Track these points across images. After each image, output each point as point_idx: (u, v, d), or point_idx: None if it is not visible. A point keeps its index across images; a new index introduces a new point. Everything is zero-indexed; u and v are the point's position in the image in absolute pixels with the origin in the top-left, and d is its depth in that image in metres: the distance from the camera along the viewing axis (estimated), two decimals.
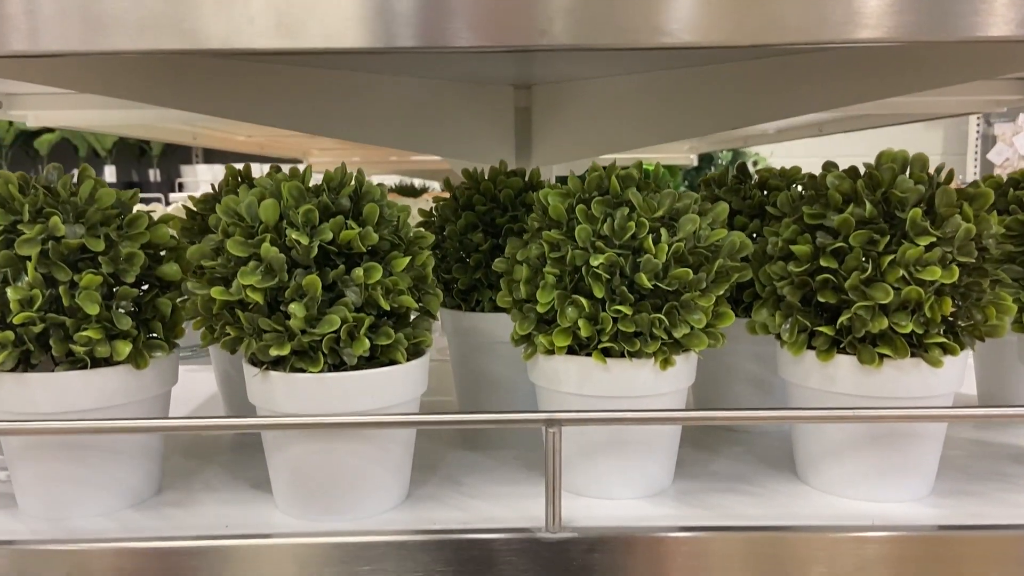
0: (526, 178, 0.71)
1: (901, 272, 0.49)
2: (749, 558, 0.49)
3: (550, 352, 0.53)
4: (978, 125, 4.77)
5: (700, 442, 0.66)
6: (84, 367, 0.50)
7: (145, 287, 0.54)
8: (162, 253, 0.55)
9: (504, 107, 0.87)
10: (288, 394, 0.49)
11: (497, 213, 0.69)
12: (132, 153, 5.79)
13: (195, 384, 0.86)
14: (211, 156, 5.72)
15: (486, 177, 0.70)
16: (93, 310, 0.48)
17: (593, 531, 0.49)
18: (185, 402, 0.80)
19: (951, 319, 0.52)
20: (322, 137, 1.74)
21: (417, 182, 2.94)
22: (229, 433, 0.70)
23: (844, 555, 0.49)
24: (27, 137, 5.26)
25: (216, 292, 0.49)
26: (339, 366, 0.50)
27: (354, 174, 0.53)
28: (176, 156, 5.79)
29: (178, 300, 0.55)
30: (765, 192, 0.66)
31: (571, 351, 0.53)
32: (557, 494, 0.49)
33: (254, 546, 0.48)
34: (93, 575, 0.48)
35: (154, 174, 5.75)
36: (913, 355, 0.51)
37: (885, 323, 0.49)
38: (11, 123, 5.18)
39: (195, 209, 0.66)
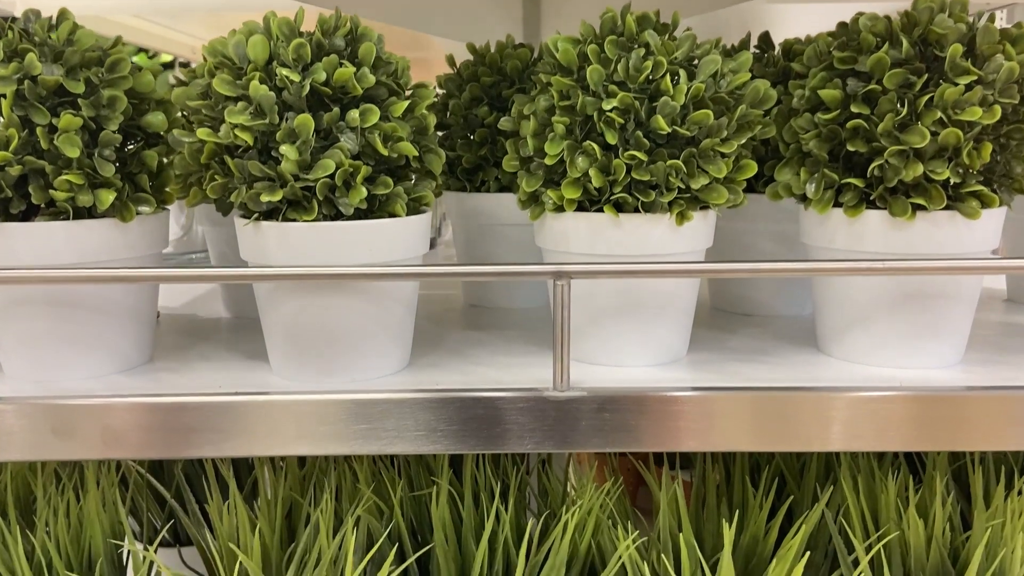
0: (534, 53, 0.67)
1: (938, 114, 0.45)
2: (765, 417, 0.46)
3: (559, 209, 0.50)
4: None
5: (716, 324, 0.63)
6: (67, 219, 0.47)
7: (131, 146, 0.52)
8: (147, 106, 0.51)
9: None
10: (281, 245, 0.47)
11: (504, 86, 0.66)
12: None
13: (195, 285, 0.84)
14: None
15: (492, 50, 0.67)
16: (73, 153, 0.45)
17: (603, 391, 0.47)
18: (183, 297, 0.77)
19: (988, 173, 0.49)
20: None
21: None
22: (225, 315, 0.68)
23: (863, 415, 0.46)
24: None
25: (203, 133, 0.46)
26: (335, 219, 0.47)
27: (349, 17, 0.49)
28: None
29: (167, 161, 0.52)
30: (789, 60, 0.62)
31: (581, 209, 0.50)
32: (565, 351, 0.46)
33: (250, 402, 0.46)
34: (80, 432, 0.46)
35: None
36: (948, 208, 0.47)
37: (920, 169, 0.46)
38: None
39: (185, 79, 0.63)
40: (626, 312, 0.51)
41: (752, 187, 0.63)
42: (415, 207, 0.50)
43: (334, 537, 0.50)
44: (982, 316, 0.65)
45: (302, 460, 0.62)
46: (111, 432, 0.46)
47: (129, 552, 0.55)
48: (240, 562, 0.48)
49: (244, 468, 0.69)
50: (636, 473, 0.99)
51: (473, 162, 0.67)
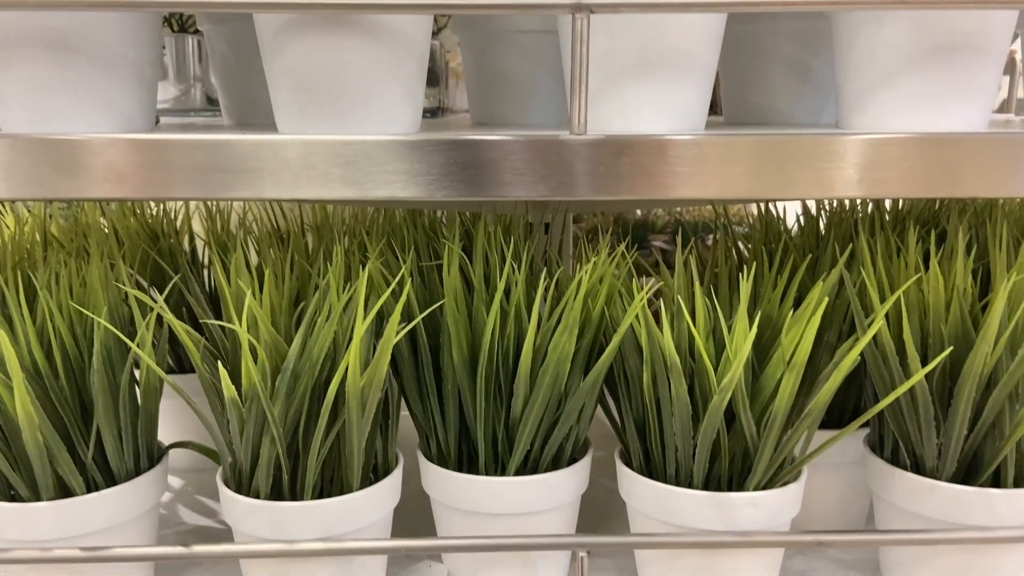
0: None
1: None
2: (788, 162, 0.45)
3: None
4: None
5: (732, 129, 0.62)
6: None
7: None
8: None
9: None
10: None
11: None
12: None
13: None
14: None
15: None
16: None
17: (622, 136, 0.45)
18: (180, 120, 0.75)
19: None
20: None
21: None
22: (227, 122, 0.66)
23: (882, 159, 0.45)
24: None
25: None
26: None
27: None
28: None
29: None
30: None
31: None
32: (583, 92, 0.45)
33: (260, 141, 0.45)
34: (83, 168, 0.45)
35: None
36: None
37: None
38: None
39: None
40: (644, 73, 0.49)
41: None
42: None
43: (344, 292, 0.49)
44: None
45: (306, 250, 0.61)
46: (114, 169, 0.45)
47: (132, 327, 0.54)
48: (248, 309, 0.47)
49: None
50: None
51: None
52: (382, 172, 0.46)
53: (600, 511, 0.71)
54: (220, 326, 0.56)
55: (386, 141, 0.45)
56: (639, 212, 2.94)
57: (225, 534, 0.67)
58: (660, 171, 0.46)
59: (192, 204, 0.89)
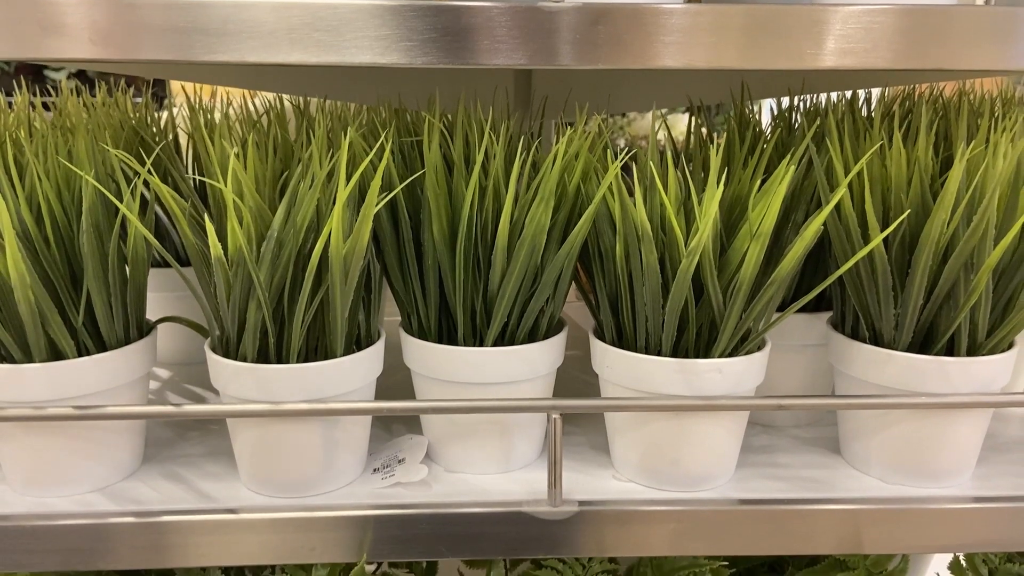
0: None
1: None
2: (761, 32, 0.46)
3: None
4: None
5: None
6: None
7: None
8: None
9: None
10: None
11: None
12: None
13: None
14: None
15: None
16: None
17: (599, 4, 0.46)
18: None
19: None
20: None
21: None
22: None
23: (856, 29, 0.46)
24: None
25: None
26: None
27: None
28: None
29: None
30: None
31: None
32: None
33: (239, 3, 0.46)
34: (68, 27, 0.45)
35: None
36: None
37: None
38: None
39: None
40: None
41: None
42: None
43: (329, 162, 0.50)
44: None
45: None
46: (99, 29, 0.46)
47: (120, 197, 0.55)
48: (233, 173, 0.48)
49: None
50: None
51: None
52: (362, 37, 0.46)
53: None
54: (206, 202, 0.57)
55: (366, 5, 0.46)
56: (623, 143, 2.92)
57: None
58: (636, 40, 0.47)
59: (175, 107, 0.89)
